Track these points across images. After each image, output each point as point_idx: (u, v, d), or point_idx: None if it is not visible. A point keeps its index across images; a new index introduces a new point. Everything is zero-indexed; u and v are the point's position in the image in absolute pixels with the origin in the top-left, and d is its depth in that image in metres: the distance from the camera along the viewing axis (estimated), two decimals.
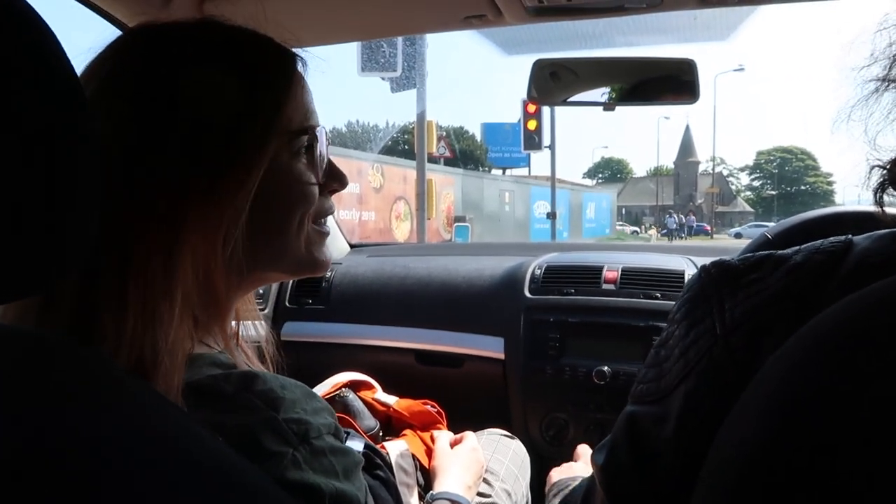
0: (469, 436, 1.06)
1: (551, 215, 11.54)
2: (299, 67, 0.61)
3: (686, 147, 53.62)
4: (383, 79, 6.74)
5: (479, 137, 31.74)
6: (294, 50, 0.62)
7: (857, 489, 0.29)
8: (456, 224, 11.94)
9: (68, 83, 0.37)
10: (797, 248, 0.47)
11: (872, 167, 0.45)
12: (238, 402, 0.47)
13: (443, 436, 1.05)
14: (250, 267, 0.58)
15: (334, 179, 0.64)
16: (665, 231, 36.42)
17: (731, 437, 0.38)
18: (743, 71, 49.49)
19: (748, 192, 65.67)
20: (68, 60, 0.38)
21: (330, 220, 1.98)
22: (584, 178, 69.99)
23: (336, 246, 1.84)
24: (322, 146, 0.62)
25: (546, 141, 10.69)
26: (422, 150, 7.73)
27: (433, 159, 18.28)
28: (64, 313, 0.48)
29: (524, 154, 21.54)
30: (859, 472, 0.30)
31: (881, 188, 0.45)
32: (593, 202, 27.93)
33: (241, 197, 0.53)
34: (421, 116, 7.57)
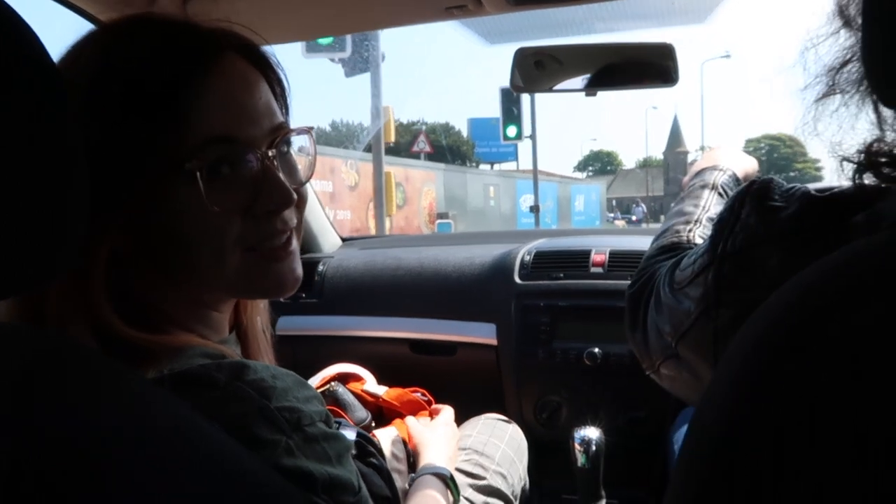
0: (444, 410, 1.09)
1: (534, 209, 11.21)
2: (223, 68, 0.54)
3: (675, 137, 53.82)
4: (333, 61, 6.40)
5: (465, 133, 31.29)
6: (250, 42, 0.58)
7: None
8: (438, 221, 11.70)
9: (53, 83, 0.38)
10: (838, 191, 0.48)
11: (842, 159, 0.47)
12: (230, 391, 0.47)
13: (412, 418, 1.07)
14: (198, 289, 0.58)
15: (264, 201, 0.55)
16: (632, 221, 35.18)
17: (710, 402, 0.37)
18: (729, 58, 48.96)
19: None
20: (52, 60, 0.38)
21: (319, 215, 1.99)
22: (574, 171, 70.07)
23: (327, 240, 1.86)
24: (249, 161, 0.55)
25: (527, 131, 10.48)
26: (378, 140, 7.31)
27: (413, 154, 17.78)
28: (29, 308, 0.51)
29: (512, 148, 21.25)
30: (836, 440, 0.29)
31: (858, 175, 0.46)
32: (582, 194, 27.50)
33: (107, 230, 0.52)
34: (376, 101, 7.14)
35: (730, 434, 0.33)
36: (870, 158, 0.45)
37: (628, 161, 74.08)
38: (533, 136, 11.58)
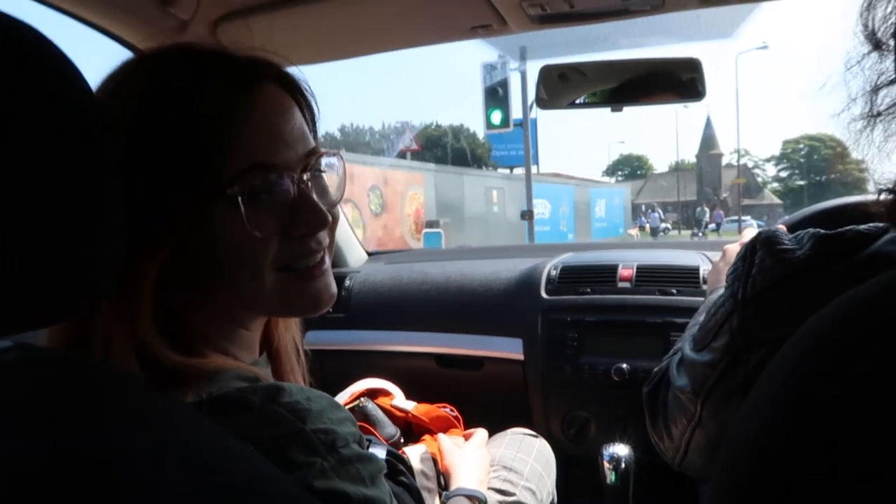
0: (477, 432, 1.11)
1: (527, 215, 9.61)
2: (265, 94, 0.58)
3: (708, 140, 53.08)
4: None
5: (481, 135, 29.68)
6: (279, 70, 0.61)
7: (866, 484, 0.31)
8: (425, 231, 10.34)
9: (94, 113, 0.40)
10: (847, 227, 0.52)
11: (880, 191, 0.49)
12: (265, 414, 0.49)
13: (444, 437, 1.09)
14: (234, 308, 0.62)
15: (301, 224, 0.59)
16: (646, 228, 32.33)
17: (742, 432, 0.40)
18: (767, 49, 44.48)
19: (775, 184, 64.82)
20: (91, 91, 0.41)
21: (345, 230, 2.05)
22: (603, 176, 69.66)
23: (353, 254, 1.91)
24: (286, 186, 0.58)
25: (519, 117, 8.98)
26: None
27: (399, 154, 15.88)
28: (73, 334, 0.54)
29: (532, 151, 20.06)
30: (868, 467, 0.31)
31: (893, 206, 0.48)
32: (603, 199, 25.34)
33: (156, 254, 0.54)
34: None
35: (767, 453, 0.35)
36: None
37: (660, 165, 73.26)
38: (524, 124, 9.72)
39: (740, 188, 46.17)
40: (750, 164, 63.36)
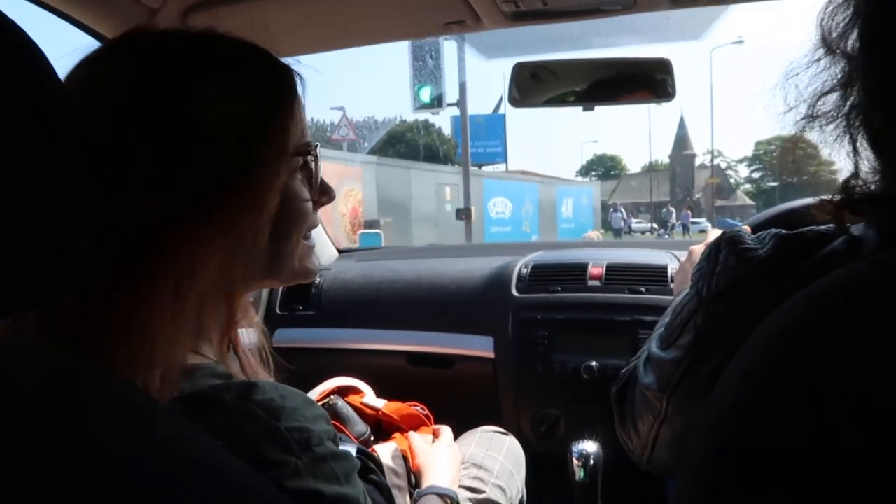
0: (445, 430, 1.12)
1: (463, 213, 8.68)
2: (298, 84, 0.65)
3: (681, 140, 53.81)
4: None
5: (448, 131, 27.92)
6: (289, 63, 0.66)
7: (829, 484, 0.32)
8: (361, 231, 9.72)
9: (56, 92, 0.39)
10: (808, 228, 0.54)
11: (820, 200, 0.52)
12: (239, 411, 0.50)
13: (415, 436, 1.10)
14: (251, 277, 0.64)
15: (324, 194, 0.69)
16: (612, 229, 30.45)
17: (704, 430, 0.41)
18: (742, 44, 42.86)
19: (748, 185, 66.04)
20: (52, 67, 0.40)
21: (318, 227, 2.04)
22: (577, 176, 70.04)
23: (324, 252, 1.92)
24: (315, 163, 0.66)
25: (454, 97, 7.85)
26: None
27: (334, 143, 14.45)
28: (63, 329, 0.51)
29: (500, 148, 18.38)
30: (818, 470, 0.32)
31: (839, 212, 0.51)
32: (570, 198, 23.67)
33: (250, 219, 0.57)
34: None
35: (726, 452, 0.37)
36: (850, 198, 0.49)
37: (633, 165, 73.95)
38: (462, 104, 8.53)
39: (713, 189, 46.86)
40: (723, 165, 64.33)
